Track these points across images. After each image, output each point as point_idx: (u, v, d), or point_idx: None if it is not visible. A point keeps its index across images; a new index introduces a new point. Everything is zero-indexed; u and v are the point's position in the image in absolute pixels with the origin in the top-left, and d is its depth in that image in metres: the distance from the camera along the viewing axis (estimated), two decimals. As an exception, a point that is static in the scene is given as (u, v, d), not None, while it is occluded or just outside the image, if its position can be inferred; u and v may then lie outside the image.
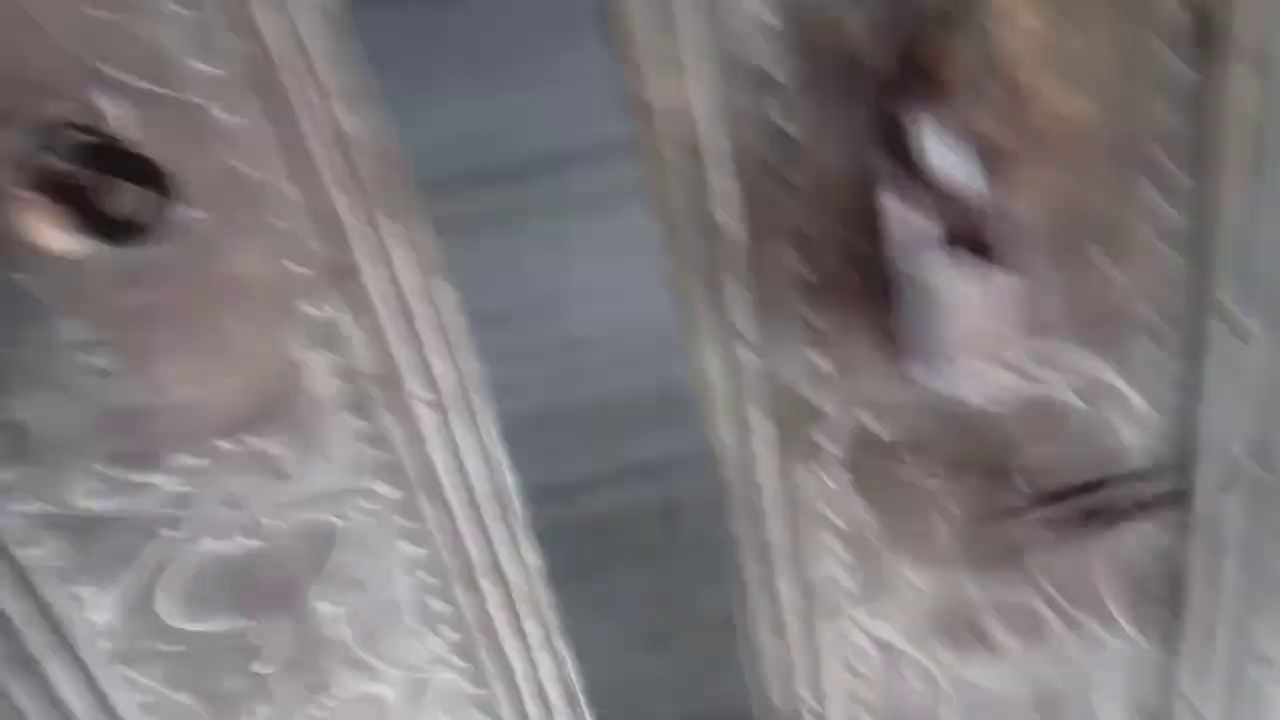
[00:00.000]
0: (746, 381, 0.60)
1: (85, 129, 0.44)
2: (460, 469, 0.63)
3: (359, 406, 0.58)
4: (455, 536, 0.65)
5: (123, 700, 0.57)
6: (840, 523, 0.65)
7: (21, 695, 0.54)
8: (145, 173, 0.46)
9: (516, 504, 0.67)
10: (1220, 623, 0.68)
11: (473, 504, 0.65)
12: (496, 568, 0.68)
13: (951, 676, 0.72)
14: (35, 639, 0.53)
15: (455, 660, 0.69)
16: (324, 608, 0.62)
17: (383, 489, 0.61)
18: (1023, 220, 0.46)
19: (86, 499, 0.52)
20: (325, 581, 0.61)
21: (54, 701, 0.55)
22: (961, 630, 0.69)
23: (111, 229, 0.45)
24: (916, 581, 0.67)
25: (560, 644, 0.73)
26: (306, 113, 0.48)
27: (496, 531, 0.67)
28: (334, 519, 0.60)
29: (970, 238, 0.45)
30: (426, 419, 0.60)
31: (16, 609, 0.52)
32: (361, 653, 0.64)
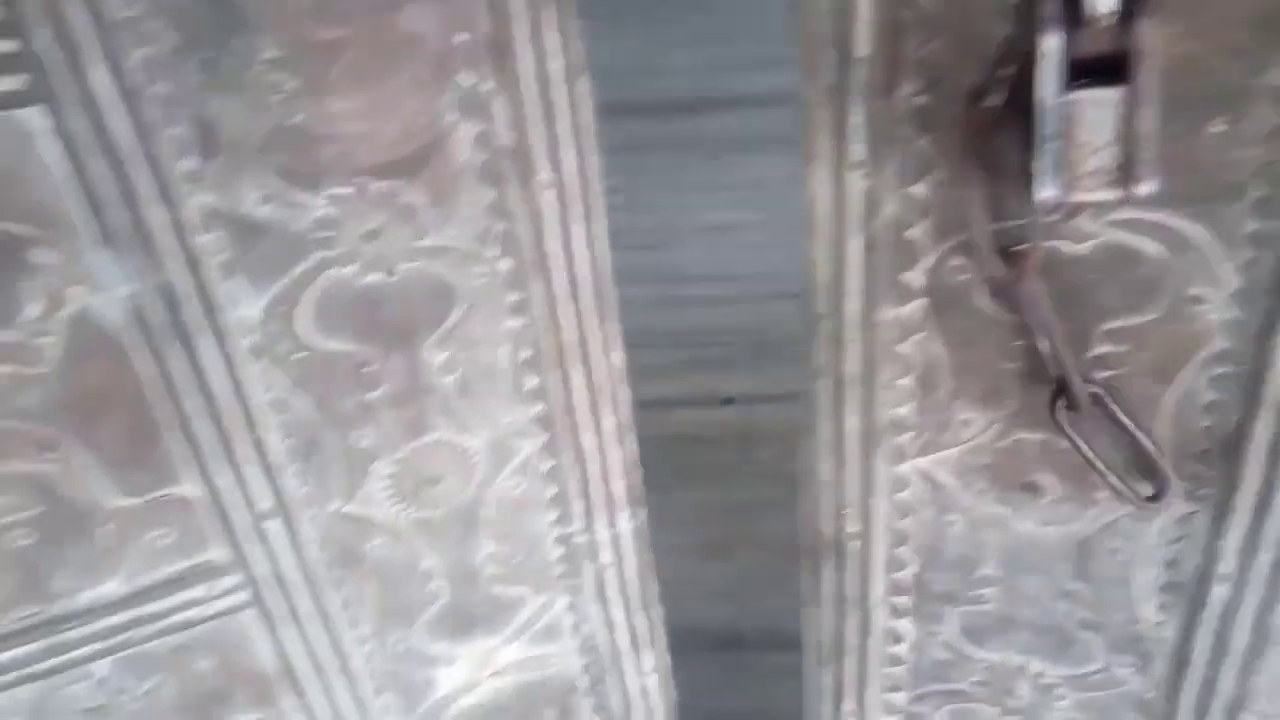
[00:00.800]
0: (852, 211, 0.64)
1: None
2: (568, 254, 0.70)
3: (492, 177, 0.65)
4: (553, 317, 0.72)
5: (256, 393, 0.66)
6: (915, 361, 0.69)
7: (176, 364, 0.63)
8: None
9: (613, 301, 0.74)
10: (1277, 493, 0.69)
11: (574, 291, 0.72)
12: (585, 356, 0.75)
13: (993, 518, 0.75)
14: (194, 316, 0.62)
15: (536, 431, 0.76)
16: (434, 356, 0.70)
17: (499, 259, 0.68)
18: (1153, 62, 0.48)
19: (254, 205, 0.60)
20: (439, 332, 0.69)
21: (201, 376, 0.64)
22: (1011, 474, 0.73)
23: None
24: (977, 424, 0.71)
25: (629, 439, 0.80)
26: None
27: (590, 323, 0.74)
28: (455, 277, 0.67)
29: (1106, 68, 0.47)
30: (547, 201, 0.67)
31: (183, 286, 0.61)
32: (458, 405, 0.72)
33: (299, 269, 0.63)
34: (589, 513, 0.82)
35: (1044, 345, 0.65)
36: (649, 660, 0.92)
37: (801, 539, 0.82)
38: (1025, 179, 0.52)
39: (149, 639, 0.71)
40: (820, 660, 0.91)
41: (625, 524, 0.84)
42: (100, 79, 0.54)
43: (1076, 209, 0.59)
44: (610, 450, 0.80)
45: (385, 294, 0.66)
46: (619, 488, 0.82)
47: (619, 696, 0.92)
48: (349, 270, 0.64)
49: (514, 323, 0.71)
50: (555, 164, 0.66)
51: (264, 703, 0.78)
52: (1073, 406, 0.66)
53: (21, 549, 0.65)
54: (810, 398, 0.74)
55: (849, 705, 0.93)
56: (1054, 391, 0.66)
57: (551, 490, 0.80)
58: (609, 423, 0.78)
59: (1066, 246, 0.62)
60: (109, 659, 0.71)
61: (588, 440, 0.78)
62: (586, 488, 0.80)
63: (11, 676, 0.68)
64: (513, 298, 0.70)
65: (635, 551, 0.86)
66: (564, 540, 0.82)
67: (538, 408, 0.75)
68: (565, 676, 0.90)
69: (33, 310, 0.58)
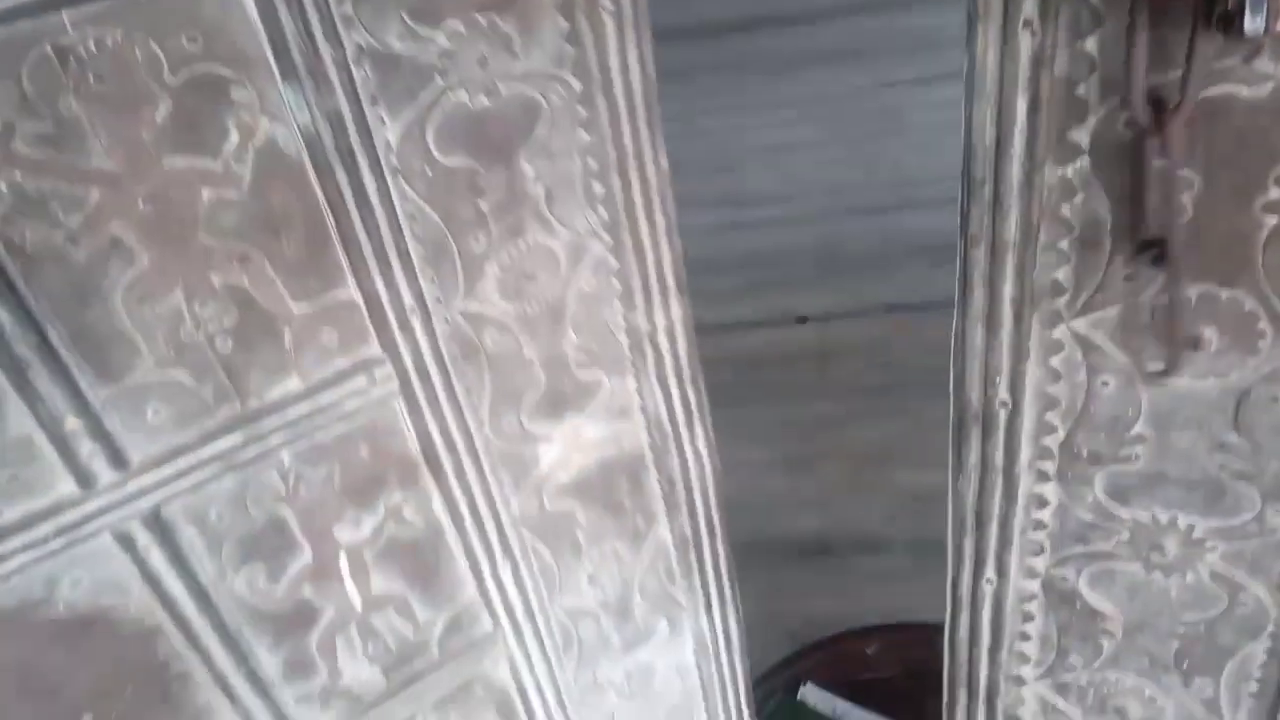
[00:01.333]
0: (1022, 70, 0.68)
1: None
2: (625, 71, 0.86)
3: (565, 7, 0.81)
4: (617, 131, 0.89)
5: (396, 208, 0.82)
6: (1075, 223, 0.73)
7: (341, 183, 0.78)
8: None
9: (657, 113, 0.90)
10: None
11: (630, 104, 0.88)
12: (640, 164, 0.92)
13: (1148, 376, 0.78)
14: (354, 141, 0.77)
15: (604, 235, 0.93)
16: (526, 167, 0.86)
17: (573, 80, 0.84)
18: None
19: (394, 39, 0.75)
20: (530, 146, 0.85)
21: (359, 194, 0.79)
22: (1171, 330, 0.75)
23: None
24: (1137, 281, 0.73)
25: (675, 236, 0.97)
26: None
27: (643, 134, 0.91)
28: (540, 96, 0.84)
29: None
30: (610, 25, 0.83)
31: (346, 112, 0.76)
32: (546, 211, 0.89)
33: (426, 97, 0.79)
34: (649, 302, 0.99)
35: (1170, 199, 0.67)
36: (700, 432, 1.11)
37: (952, 409, 0.88)
38: (1201, 23, 0.56)
39: (321, 428, 0.87)
40: (962, 530, 0.95)
41: (676, 310, 1.02)
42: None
43: (1258, 49, 0.62)
44: (662, 245, 0.97)
45: (490, 114, 0.82)
46: (670, 279, 1.00)
47: (678, 462, 1.11)
48: (462, 96, 0.80)
49: (585, 137, 0.88)
50: (614, -5, 0.82)
51: (410, 483, 0.94)
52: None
53: (224, 353, 0.79)
54: (968, 264, 0.78)
55: (989, 573, 0.98)
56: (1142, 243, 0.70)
57: (618, 285, 0.97)
58: (661, 222, 0.96)
59: (1244, 91, 0.64)
60: (291, 449, 0.86)
61: (646, 238, 0.96)
62: (646, 281, 0.98)
63: (217, 467, 0.83)
64: (584, 114, 0.87)
65: (684, 335, 1.04)
66: (630, 330, 1.00)
67: (605, 214, 0.92)
68: (635, 449, 1.08)
69: (231, 141, 0.73)
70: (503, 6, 0.78)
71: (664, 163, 0.93)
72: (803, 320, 2.73)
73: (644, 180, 0.93)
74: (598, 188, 0.91)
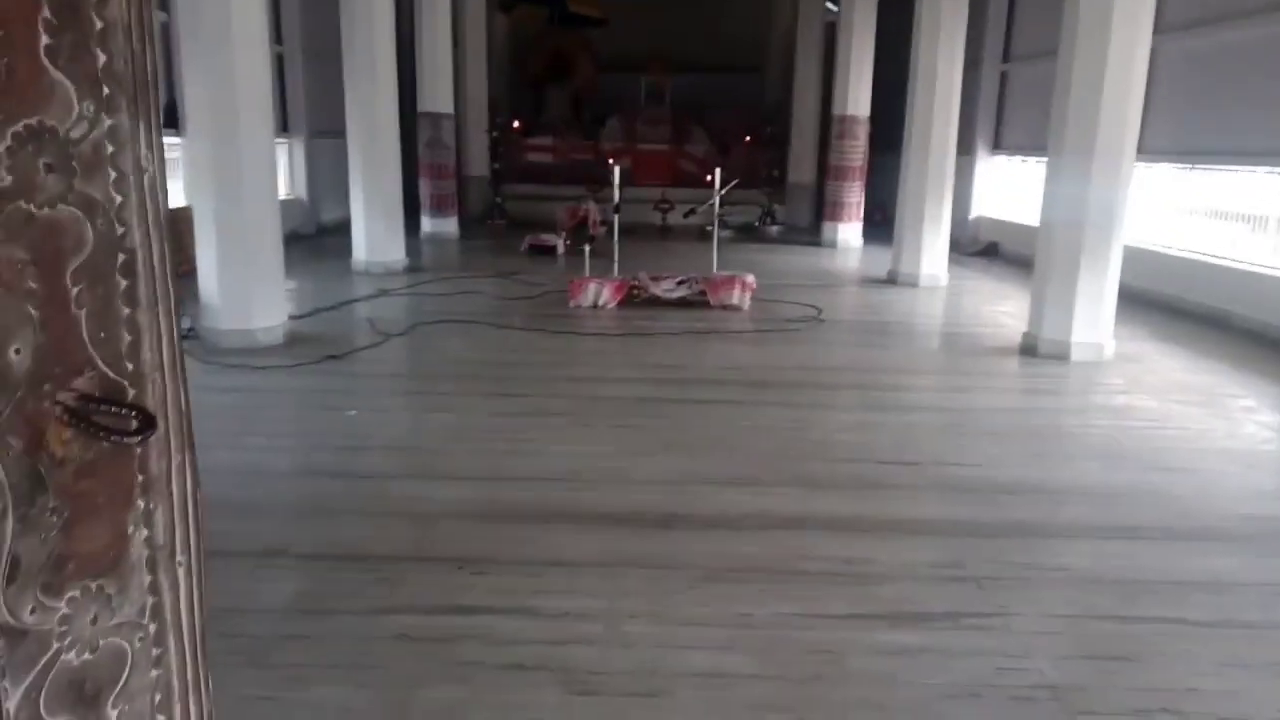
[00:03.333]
0: None
1: None
2: (191, 612, 1.01)
3: (150, 563, 0.95)
4: (181, 663, 1.00)
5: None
6: None
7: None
8: None
9: (206, 659, 1.04)
10: None
11: (193, 640, 1.01)
12: (197, 693, 1.03)
13: None
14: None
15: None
16: (111, 713, 0.91)
17: (151, 625, 0.96)
18: None
19: (26, 614, 0.81)
20: (118, 693, 0.92)
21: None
22: None
23: None
24: None
25: None
26: None
27: (200, 666, 1.03)
28: (127, 644, 0.93)
29: None
30: (181, 573, 0.99)
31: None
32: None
33: (43, 661, 0.83)
34: None
35: None
36: None
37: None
38: None
39: None
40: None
41: None
42: None
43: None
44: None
45: (89, 667, 0.89)
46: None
47: None
48: (71, 655, 0.86)
49: (154, 672, 0.97)
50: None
51: None
52: None
53: None
54: None
55: None
56: None
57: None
58: None
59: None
60: None
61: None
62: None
63: None
64: (155, 652, 0.97)
65: None
66: None
67: None
68: None
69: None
70: (107, 570, 0.90)
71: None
72: None
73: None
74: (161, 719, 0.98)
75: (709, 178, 10.16)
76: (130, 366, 0.86)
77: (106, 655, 0.90)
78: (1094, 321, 7.14)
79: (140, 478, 0.92)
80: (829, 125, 15.09)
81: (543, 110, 19.67)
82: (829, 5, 16.57)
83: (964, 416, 5.91)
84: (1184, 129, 9.69)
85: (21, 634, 0.80)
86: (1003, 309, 9.25)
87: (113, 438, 0.84)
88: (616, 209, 9.47)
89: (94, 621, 0.88)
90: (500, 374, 6.62)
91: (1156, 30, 7.33)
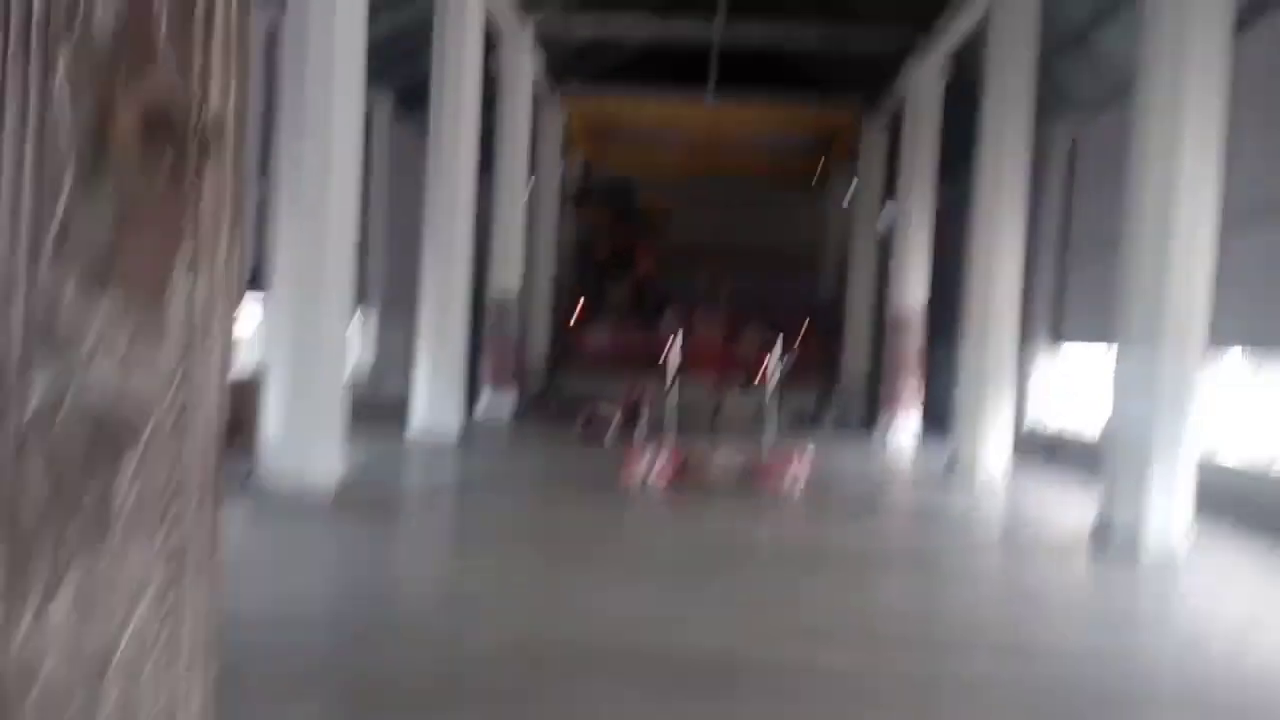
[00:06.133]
0: None
1: None
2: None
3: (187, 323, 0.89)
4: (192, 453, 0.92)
5: None
6: None
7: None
8: None
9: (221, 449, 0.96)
10: None
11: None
12: (214, 491, 0.94)
13: None
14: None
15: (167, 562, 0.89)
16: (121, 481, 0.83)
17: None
18: None
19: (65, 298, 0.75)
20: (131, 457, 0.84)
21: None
22: None
23: None
24: None
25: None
26: None
27: (214, 462, 0.95)
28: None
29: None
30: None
31: None
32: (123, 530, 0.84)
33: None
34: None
35: None
36: None
37: None
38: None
39: None
40: None
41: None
42: None
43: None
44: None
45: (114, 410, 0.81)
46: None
47: None
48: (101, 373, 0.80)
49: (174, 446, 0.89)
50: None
51: None
52: None
53: None
54: None
55: None
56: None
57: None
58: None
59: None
60: None
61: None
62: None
63: None
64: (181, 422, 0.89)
65: None
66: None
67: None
68: None
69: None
70: (148, 303, 0.84)
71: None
72: None
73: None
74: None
75: (764, 370, 10.19)
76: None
77: (131, 406, 0.83)
78: (1168, 515, 6.75)
79: (190, 225, 0.88)
80: (883, 323, 15.31)
81: (605, 298, 20.33)
82: (881, 218, 17.22)
83: (1035, 640, 5.58)
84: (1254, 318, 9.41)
85: (49, 332, 0.75)
86: (1068, 508, 8.80)
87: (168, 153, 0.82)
88: (673, 381, 9.51)
89: (131, 343, 0.82)
90: (548, 537, 6.50)
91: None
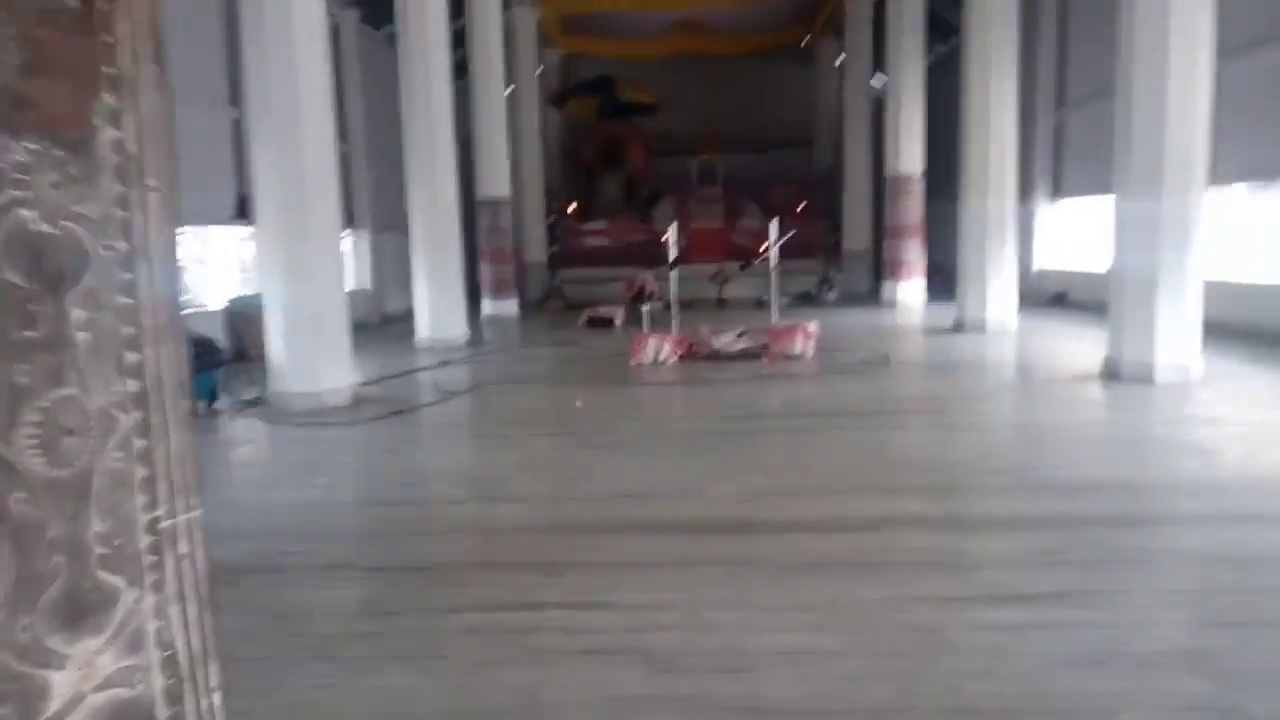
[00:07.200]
0: None
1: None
2: (163, 248, 0.93)
3: (120, 171, 0.88)
4: (151, 301, 0.92)
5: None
6: None
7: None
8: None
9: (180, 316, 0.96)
10: None
11: (163, 278, 0.93)
12: (167, 339, 0.94)
13: None
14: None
15: (132, 410, 0.90)
16: (74, 311, 0.83)
17: (120, 242, 0.88)
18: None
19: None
20: (78, 290, 0.83)
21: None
22: None
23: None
24: None
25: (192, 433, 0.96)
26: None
27: (170, 309, 0.95)
28: (93, 245, 0.85)
29: None
30: (154, 201, 0.91)
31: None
32: (83, 364, 0.84)
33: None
34: (172, 500, 0.93)
35: None
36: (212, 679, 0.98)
37: None
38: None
39: None
40: None
41: (196, 521, 0.96)
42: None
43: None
44: (185, 441, 0.95)
45: (49, 242, 0.81)
46: (190, 478, 0.96)
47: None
48: (29, 213, 0.79)
49: (123, 299, 0.89)
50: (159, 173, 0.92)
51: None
52: None
53: None
54: None
55: None
56: None
57: (144, 470, 0.91)
58: (185, 405, 0.95)
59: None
60: None
61: (171, 423, 0.93)
62: (170, 473, 0.93)
63: None
64: (125, 277, 0.89)
65: (202, 555, 0.97)
66: (151, 529, 0.91)
67: (134, 385, 0.90)
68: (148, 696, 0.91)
69: None
70: (72, 146, 0.83)
71: (184, 350, 0.96)
72: None
73: (176, 353, 0.94)
74: (130, 356, 0.90)
75: (763, 250, 10.11)
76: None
77: (69, 239, 0.82)
78: (1178, 342, 6.79)
79: (108, 70, 0.86)
80: (882, 189, 15.09)
81: (597, 196, 20.07)
82: (873, 84, 16.79)
83: (1049, 432, 5.65)
84: (1257, 148, 9.37)
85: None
86: (1079, 346, 8.86)
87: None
88: (674, 265, 9.46)
89: (56, 188, 0.80)
90: (563, 420, 6.58)
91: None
